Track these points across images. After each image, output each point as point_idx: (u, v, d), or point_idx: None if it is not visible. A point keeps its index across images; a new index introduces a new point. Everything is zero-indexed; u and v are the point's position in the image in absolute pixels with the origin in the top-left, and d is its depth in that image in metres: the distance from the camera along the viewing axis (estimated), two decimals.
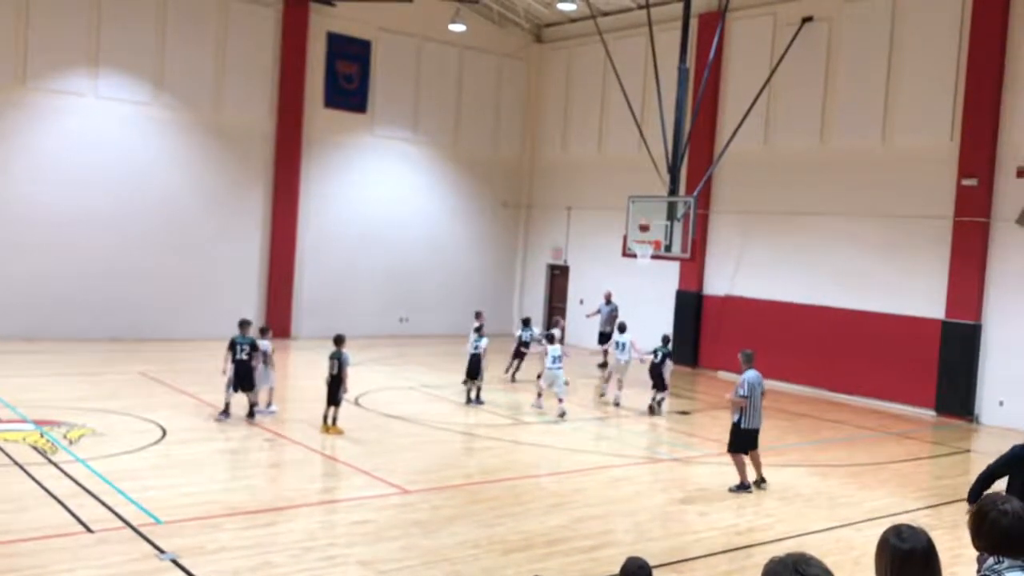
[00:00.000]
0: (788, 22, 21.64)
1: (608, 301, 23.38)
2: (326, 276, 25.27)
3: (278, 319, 24.03)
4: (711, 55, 20.96)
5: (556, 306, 28.44)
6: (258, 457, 12.60)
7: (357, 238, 25.74)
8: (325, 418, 13.79)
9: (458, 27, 25.42)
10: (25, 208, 20.83)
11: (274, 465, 12.31)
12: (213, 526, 9.09)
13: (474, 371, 16.87)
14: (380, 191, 26.19)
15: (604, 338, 22.45)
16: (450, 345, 24.87)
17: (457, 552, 8.79)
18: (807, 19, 21.25)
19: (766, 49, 22.14)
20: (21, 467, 10.67)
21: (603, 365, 21.99)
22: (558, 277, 28.34)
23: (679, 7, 20.40)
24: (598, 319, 23.51)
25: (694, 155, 22.19)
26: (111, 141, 21.89)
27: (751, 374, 11.98)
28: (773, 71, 21.11)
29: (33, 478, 10.26)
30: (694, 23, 21.49)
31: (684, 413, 17.89)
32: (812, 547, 9.50)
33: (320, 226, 25.18)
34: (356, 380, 18.25)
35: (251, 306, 24.08)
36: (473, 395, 16.90)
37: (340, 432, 13.58)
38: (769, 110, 21.98)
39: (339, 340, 14.13)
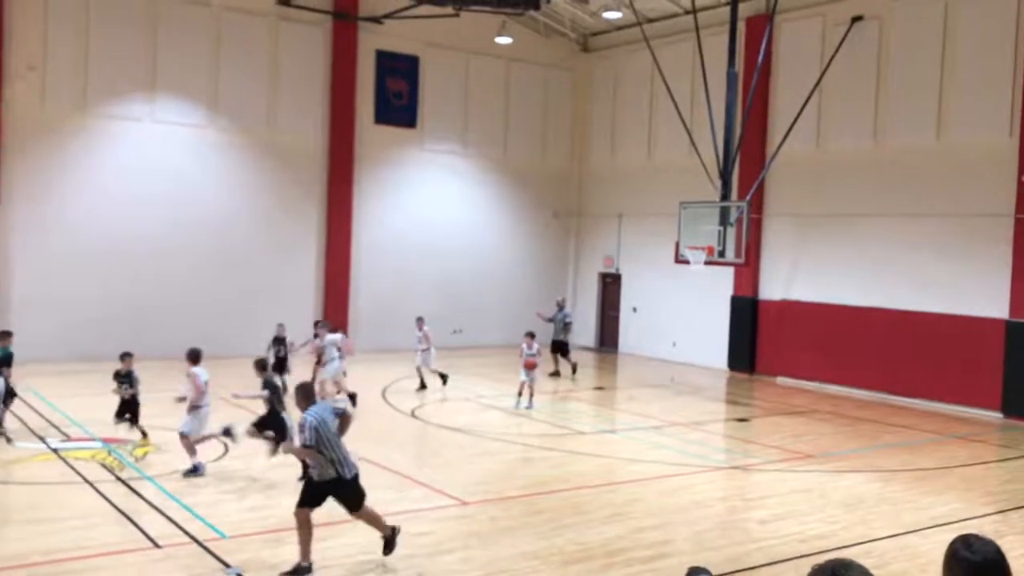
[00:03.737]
0: (837, 22, 21.39)
1: (561, 307, 22.74)
2: (380, 290, 25.53)
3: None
4: (760, 58, 20.78)
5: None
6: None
7: (409, 251, 25.97)
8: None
9: (504, 40, 25.57)
10: (86, 231, 21.40)
11: None
12: (275, 540, 9.23)
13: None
14: (431, 205, 26.41)
15: (558, 346, 22.03)
16: (504, 356, 24.92)
17: (516, 564, 8.81)
18: (857, 18, 20.99)
19: (816, 50, 21.91)
20: (91, 484, 10.96)
21: (554, 374, 21.65)
22: (610, 285, 28.28)
23: (726, 11, 20.29)
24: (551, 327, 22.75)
25: (745, 159, 22.02)
26: (168, 163, 22.40)
27: (314, 411, 8.79)
28: (824, 72, 20.87)
29: (103, 495, 10.52)
30: (742, 26, 21.36)
31: (742, 420, 17.71)
32: (877, 555, 9.37)
33: (373, 241, 25.46)
34: (412, 395, 18.51)
35: (308, 321, 24.39)
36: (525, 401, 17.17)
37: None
38: (821, 111, 21.72)
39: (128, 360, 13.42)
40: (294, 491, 11.40)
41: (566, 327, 22.13)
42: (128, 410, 13.26)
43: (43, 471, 11.61)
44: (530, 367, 17.18)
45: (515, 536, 9.68)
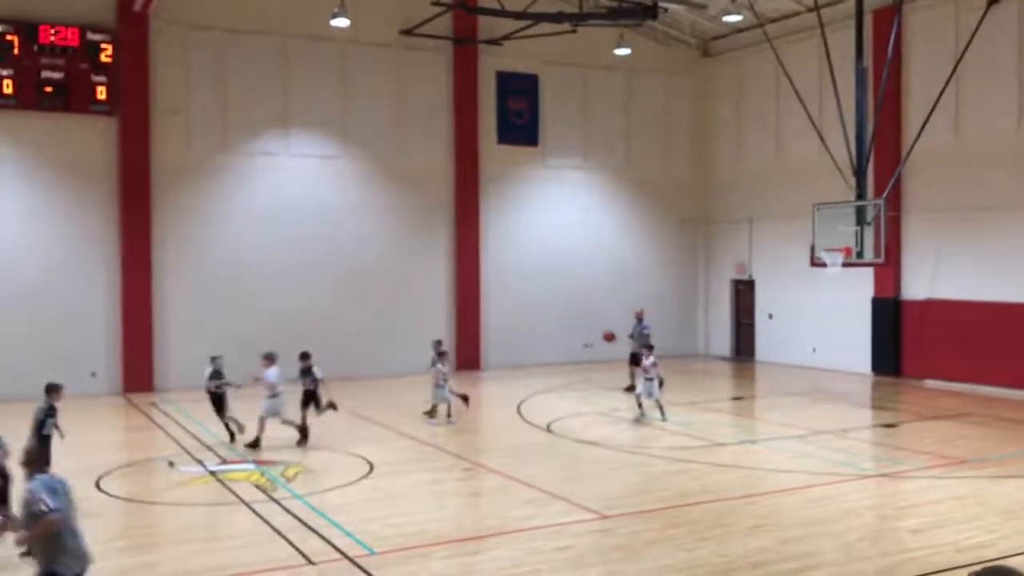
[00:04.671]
0: (972, 7, 20.44)
1: (639, 320, 21.72)
2: (509, 307, 25.81)
3: (467, 352, 24.76)
4: (890, 50, 20.04)
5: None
6: (459, 487, 13.02)
7: (536, 267, 26.19)
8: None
9: (623, 51, 25.54)
10: (231, 263, 22.50)
11: (475, 494, 12.68)
12: (423, 555, 9.48)
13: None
14: (556, 220, 26.57)
15: (635, 360, 20.83)
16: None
17: None
18: (994, 0, 20.00)
19: (950, 37, 21.00)
20: (247, 504, 11.51)
21: (630, 388, 20.61)
22: (744, 292, 27.73)
23: (850, 6, 19.71)
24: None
25: (880, 155, 21.27)
26: (304, 194, 23.35)
27: (41, 481, 6.96)
28: (959, 59, 19.95)
29: (258, 514, 11.04)
30: (868, 20, 20.65)
31: (890, 426, 17.04)
32: None
33: (501, 259, 25.81)
34: (546, 407, 18.64)
35: (441, 339, 24.90)
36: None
37: None
38: (958, 101, 20.80)
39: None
40: (435, 507, 11.70)
41: (644, 339, 21.44)
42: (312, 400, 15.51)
43: (203, 493, 12.27)
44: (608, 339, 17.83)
45: (658, 549, 9.62)
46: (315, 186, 23.54)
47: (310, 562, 9.28)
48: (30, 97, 20.31)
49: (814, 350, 24.81)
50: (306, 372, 15.70)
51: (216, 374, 15.46)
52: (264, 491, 12.16)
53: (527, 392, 20.73)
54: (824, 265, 19.26)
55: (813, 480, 12.62)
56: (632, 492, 12.14)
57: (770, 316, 26.51)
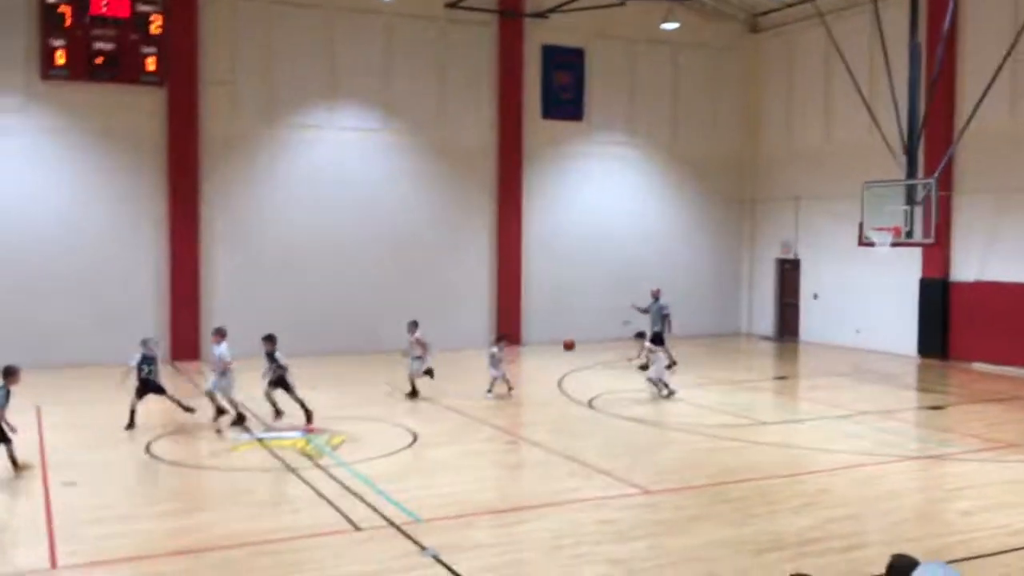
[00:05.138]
0: None
1: (656, 298, 21.57)
2: (551, 283, 25.77)
3: (508, 327, 24.75)
4: (945, 26, 19.60)
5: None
6: (502, 458, 13.08)
7: (579, 243, 26.09)
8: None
9: (670, 25, 25.22)
10: (275, 236, 22.70)
11: (517, 466, 12.74)
12: (467, 524, 9.55)
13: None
14: (600, 196, 26.43)
15: (655, 339, 21.08)
16: (677, 346, 24.65)
17: (707, 552, 8.75)
18: None
19: (1007, 13, 20.47)
20: (294, 471, 11.66)
21: (645, 367, 20.57)
22: (788, 271, 27.43)
23: None
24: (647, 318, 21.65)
25: (931, 134, 20.86)
26: (347, 167, 23.44)
27: None
28: (1019, 35, 19.44)
29: (305, 481, 11.18)
30: None
31: (937, 408, 16.81)
32: None
33: (543, 234, 25.75)
34: (588, 383, 18.64)
35: (483, 315, 25.02)
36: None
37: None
38: (1015, 79, 20.30)
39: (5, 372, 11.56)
40: (478, 477, 11.77)
41: (664, 318, 21.24)
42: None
43: (251, 459, 12.45)
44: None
45: (703, 525, 9.61)
46: (358, 159, 23.62)
47: (357, 528, 9.39)
48: (82, 68, 20.55)
49: (858, 331, 24.51)
50: (271, 356, 14.52)
51: (148, 359, 14.21)
52: (310, 458, 12.31)
53: (568, 368, 20.73)
54: (872, 245, 19.00)
55: (859, 460, 12.50)
56: (676, 468, 12.11)
57: (815, 296, 26.22)
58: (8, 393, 11.45)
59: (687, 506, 10.28)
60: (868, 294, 24.27)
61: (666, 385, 17.21)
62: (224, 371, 14.28)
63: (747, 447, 13.34)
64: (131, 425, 13.97)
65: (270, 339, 14.67)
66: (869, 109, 20.48)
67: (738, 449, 13.23)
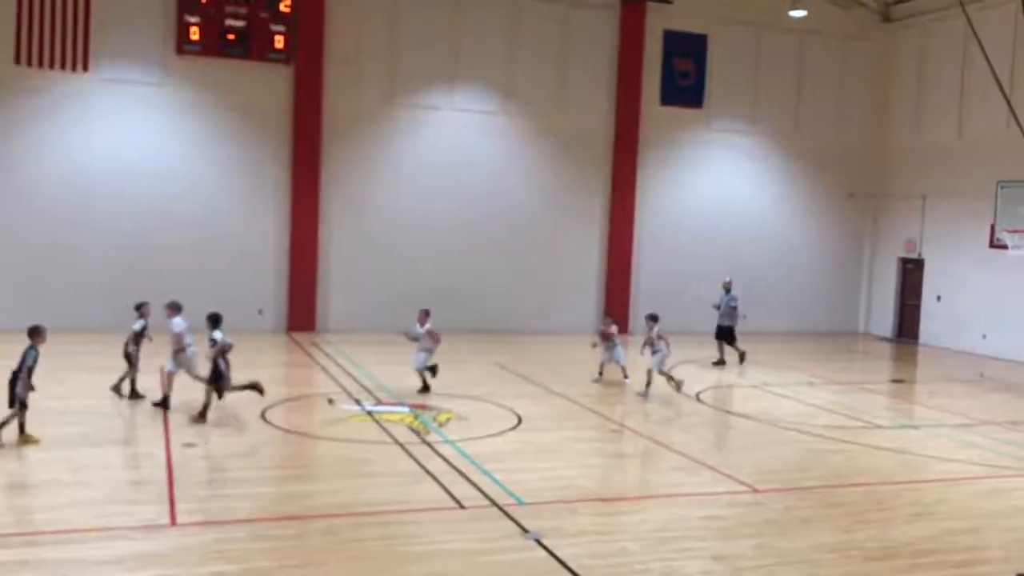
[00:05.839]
0: None
1: (727, 291, 20.46)
2: (662, 272, 25.49)
3: (616, 315, 24.60)
4: None
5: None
6: (607, 447, 13.01)
7: (693, 233, 25.72)
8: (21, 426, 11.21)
9: (799, 13, 24.49)
10: (391, 213, 23.13)
11: (622, 456, 12.65)
12: (571, 510, 9.54)
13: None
14: (716, 185, 25.97)
15: (723, 333, 20.08)
16: (791, 343, 24.16)
17: (814, 555, 8.52)
18: None
19: None
20: (402, 446, 11.87)
21: (719, 363, 19.86)
22: (911, 272, 26.40)
23: None
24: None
25: None
26: (463, 149, 23.67)
27: None
28: None
29: (412, 456, 11.38)
30: None
31: None
32: None
33: (656, 222, 25.47)
34: (695, 376, 18.36)
35: (590, 300, 24.94)
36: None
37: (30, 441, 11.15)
38: None
39: (32, 332, 11.35)
40: (583, 464, 11.75)
41: (731, 312, 20.32)
42: None
43: (360, 431, 12.74)
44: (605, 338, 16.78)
45: (811, 528, 9.36)
46: (475, 141, 23.80)
47: (461, 506, 9.50)
48: (214, 44, 21.31)
49: (984, 336, 23.43)
50: (213, 341, 13.01)
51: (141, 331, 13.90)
52: (417, 434, 12.51)
53: (675, 359, 20.40)
54: (1005, 247, 18.14)
55: (981, 472, 11.96)
56: (786, 468, 11.83)
57: (938, 298, 25.18)
58: (37, 354, 11.23)
59: (796, 507, 10.03)
60: (997, 299, 23.15)
61: (671, 377, 16.35)
62: (181, 348, 13.14)
63: (860, 450, 12.92)
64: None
65: (212, 319, 13.08)
66: (1009, 103, 19.45)
67: (850, 452, 12.82)
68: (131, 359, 13.91)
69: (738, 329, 20.64)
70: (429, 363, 15.44)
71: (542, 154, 24.46)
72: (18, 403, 11.11)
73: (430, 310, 15.90)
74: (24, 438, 11.13)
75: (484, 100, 23.80)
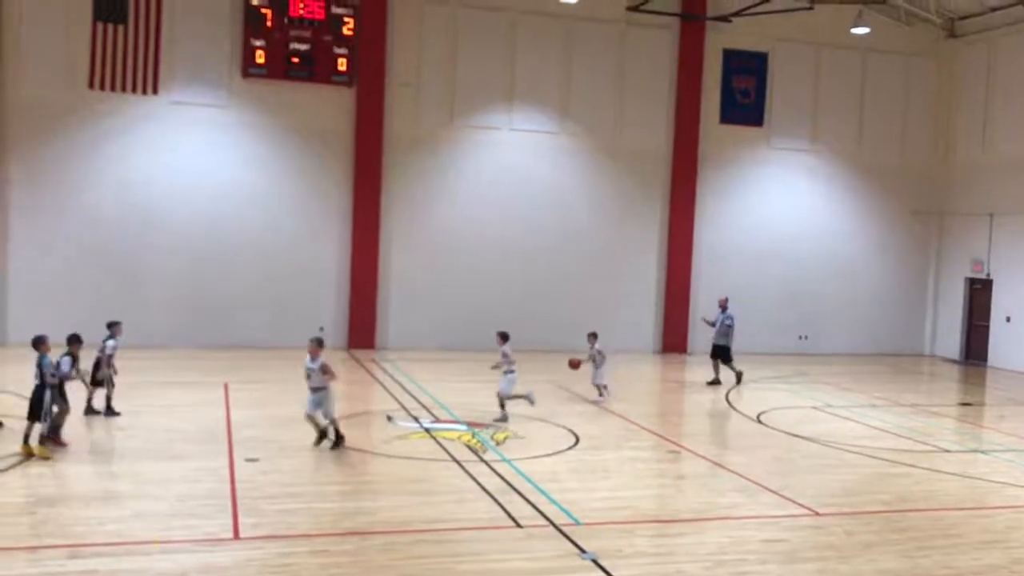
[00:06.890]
0: None
1: (723, 309, 19.83)
2: (722, 292, 25.14)
3: (673, 333, 24.50)
4: None
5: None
6: (665, 468, 12.91)
7: (753, 252, 25.46)
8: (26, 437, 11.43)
9: (861, 30, 24.17)
10: (452, 233, 23.34)
11: (681, 477, 12.53)
12: (627, 531, 9.48)
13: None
14: (777, 204, 25.70)
15: (719, 352, 19.54)
16: (853, 364, 23.73)
17: None
18: None
19: None
20: (459, 463, 11.93)
21: (714, 382, 19.33)
22: (979, 292, 25.77)
23: None
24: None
25: None
26: (522, 169, 23.81)
27: None
28: None
29: (469, 474, 11.42)
30: None
31: None
32: None
33: (716, 242, 25.27)
34: (756, 397, 18.13)
35: (648, 320, 24.81)
36: None
37: (43, 455, 11.26)
38: None
39: (36, 343, 11.58)
40: (640, 485, 11.67)
41: (727, 330, 19.64)
42: None
43: (418, 448, 12.82)
44: (574, 366, 16.80)
45: (875, 553, 9.16)
46: (533, 161, 23.93)
47: (518, 525, 9.50)
48: (279, 67, 21.79)
49: None
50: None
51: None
52: (475, 452, 12.56)
53: (735, 380, 20.22)
54: None
55: None
56: (848, 491, 11.61)
57: (1008, 319, 24.53)
58: (74, 360, 11.87)
59: (859, 532, 9.83)
60: None
61: (605, 387, 16.89)
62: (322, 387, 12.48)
63: (926, 474, 12.63)
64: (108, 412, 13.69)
65: (111, 327, 13.69)
66: None
67: (916, 476, 12.54)
68: (109, 378, 13.71)
69: (798, 349, 20.34)
70: (513, 391, 14.74)
71: (601, 173, 24.48)
72: (46, 415, 11.41)
73: (508, 332, 15.23)
74: (39, 450, 11.29)
75: (542, 120, 23.92)
